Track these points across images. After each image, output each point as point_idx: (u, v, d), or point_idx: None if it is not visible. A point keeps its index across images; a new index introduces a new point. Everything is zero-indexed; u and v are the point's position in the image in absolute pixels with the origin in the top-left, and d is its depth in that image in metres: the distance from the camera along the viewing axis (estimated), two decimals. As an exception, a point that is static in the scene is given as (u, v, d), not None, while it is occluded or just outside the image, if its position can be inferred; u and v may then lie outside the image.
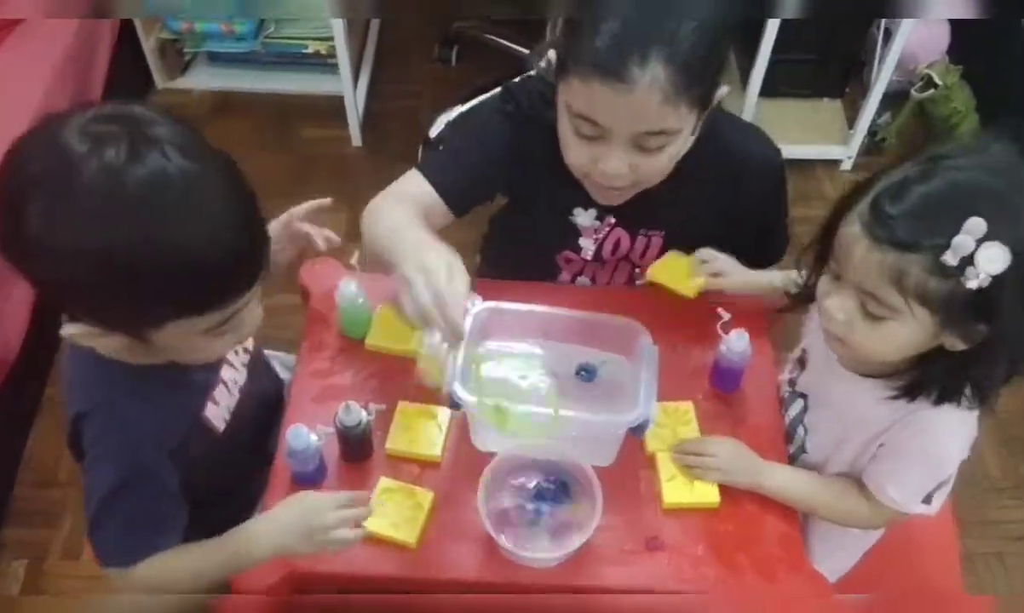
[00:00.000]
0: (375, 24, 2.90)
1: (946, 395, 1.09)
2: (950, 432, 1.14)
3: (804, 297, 1.21)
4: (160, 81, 2.71)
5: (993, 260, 0.93)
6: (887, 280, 0.99)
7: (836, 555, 1.37)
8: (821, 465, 1.28)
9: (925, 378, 1.09)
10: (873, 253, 1.00)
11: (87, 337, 0.95)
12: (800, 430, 1.30)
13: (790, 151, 2.45)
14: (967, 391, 1.08)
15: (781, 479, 1.25)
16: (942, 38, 2.63)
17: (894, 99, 2.59)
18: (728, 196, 1.38)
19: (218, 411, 1.18)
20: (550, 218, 1.43)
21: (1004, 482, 2.09)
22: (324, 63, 2.62)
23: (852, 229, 1.02)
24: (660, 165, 1.23)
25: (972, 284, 0.94)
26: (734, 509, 1.24)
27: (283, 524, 1.10)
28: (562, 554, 1.15)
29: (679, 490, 1.24)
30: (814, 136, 2.62)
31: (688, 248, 1.42)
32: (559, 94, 1.23)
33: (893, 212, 0.97)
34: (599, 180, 1.26)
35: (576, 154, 1.24)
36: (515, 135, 1.37)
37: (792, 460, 1.31)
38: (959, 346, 1.03)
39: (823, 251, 1.11)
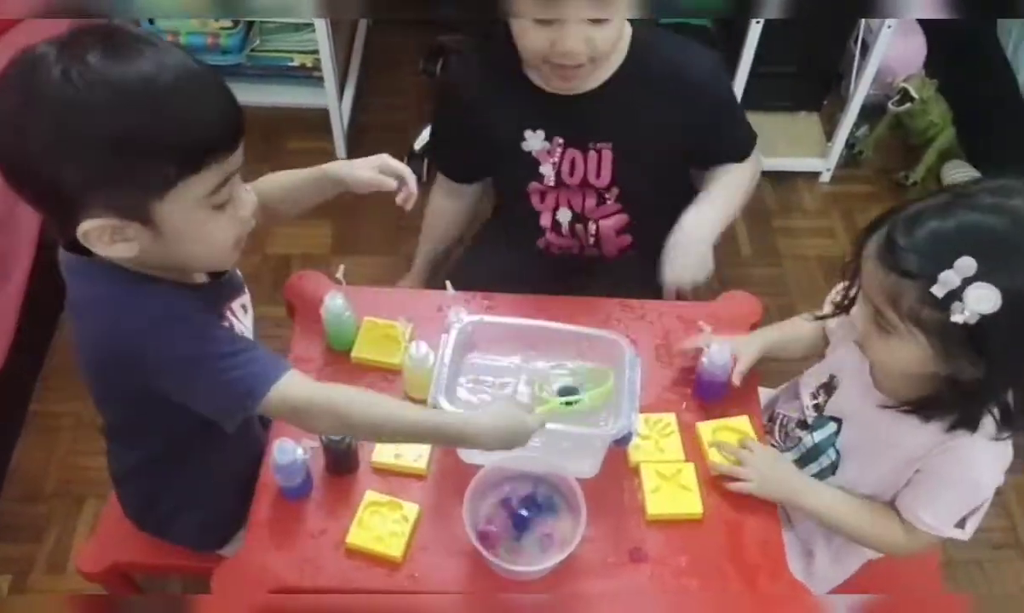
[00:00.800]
0: (360, 36, 2.90)
1: (963, 422, 1.13)
2: (984, 459, 1.17)
3: (844, 309, 1.23)
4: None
5: (982, 300, 0.97)
6: (887, 300, 1.06)
7: (833, 569, 1.39)
8: (851, 487, 1.30)
9: (940, 401, 1.13)
10: (879, 274, 1.06)
11: (103, 234, 0.97)
12: (831, 452, 1.31)
13: (770, 163, 2.50)
14: (995, 417, 1.12)
15: (822, 501, 1.27)
16: (918, 52, 2.67)
17: (871, 112, 2.62)
18: (673, 108, 1.46)
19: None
20: (507, 154, 1.53)
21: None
22: (310, 76, 2.62)
23: (870, 248, 1.08)
24: (612, 33, 1.35)
25: (957, 318, 0.99)
26: (717, 519, 1.26)
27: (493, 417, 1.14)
28: (547, 566, 1.16)
29: (663, 501, 1.26)
30: (793, 148, 2.64)
31: (643, 162, 1.50)
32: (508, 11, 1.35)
33: (901, 241, 1.03)
34: (559, 61, 1.36)
35: (534, 40, 1.34)
36: (452, 97, 1.59)
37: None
38: (965, 376, 1.06)
39: (855, 267, 1.15)
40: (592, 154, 1.50)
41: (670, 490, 1.27)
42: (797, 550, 1.36)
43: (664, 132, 1.48)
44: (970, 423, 1.13)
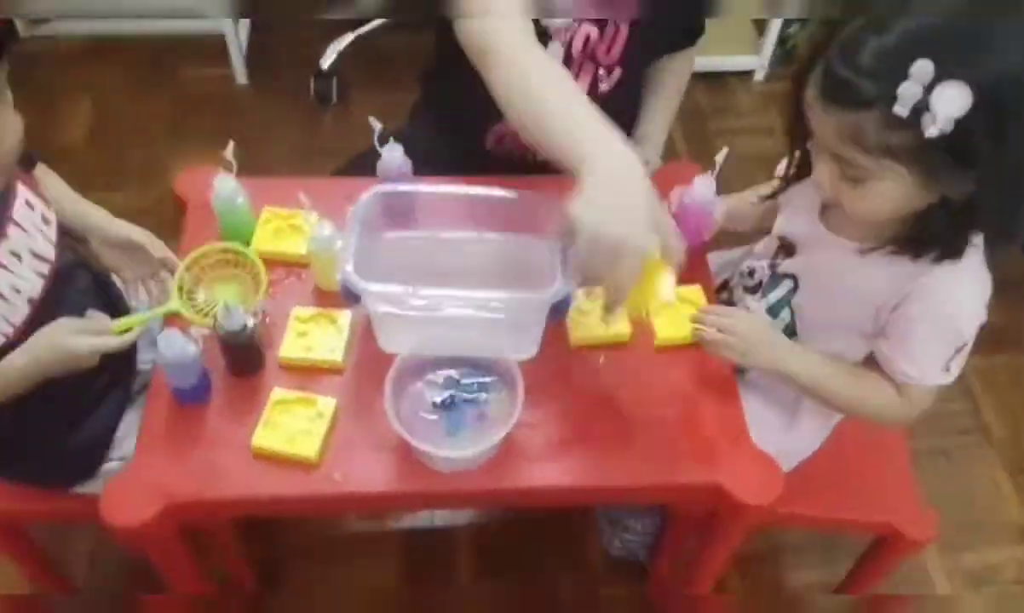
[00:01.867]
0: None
1: (949, 252, 1.02)
2: (960, 292, 1.06)
3: (795, 177, 1.13)
4: (23, 29, 2.48)
5: (951, 101, 0.86)
6: (848, 141, 0.94)
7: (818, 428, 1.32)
8: (812, 345, 1.20)
9: (925, 234, 1.01)
10: (830, 116, 0.94)
11: None
12: (785, 313, 1.22)
13: (701, 63, 2.38)
14: (977, 240, 1.01)
15: (807, 364, 1.16)
16: (846, -60, 2.57)
17: (802, 5, 2.53)
18: None
19: None
20: None
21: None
22: (201, -1, 2.44)
23: (810, 93, 0.96)
24: None
25: (932, 131, 0.87)
26: (670, 394, 1.16)
27: (30, 344, 1.05)
28: (483, 449, 1.03)
29: (587, 327, 1.17)
30: (724, 47, 2.54)
31: (650, 38, 1.37)
32: None
33: (844, 72, 0.91)
34: None
35: None
36: None
37: None
38: (956, 194, 0.95)
39: (795, 124, 1.03)
40: (609, 27, 1.33)
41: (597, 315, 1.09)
42: (778, 416, 1.27)
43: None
44: (957, 251, 1.01)
